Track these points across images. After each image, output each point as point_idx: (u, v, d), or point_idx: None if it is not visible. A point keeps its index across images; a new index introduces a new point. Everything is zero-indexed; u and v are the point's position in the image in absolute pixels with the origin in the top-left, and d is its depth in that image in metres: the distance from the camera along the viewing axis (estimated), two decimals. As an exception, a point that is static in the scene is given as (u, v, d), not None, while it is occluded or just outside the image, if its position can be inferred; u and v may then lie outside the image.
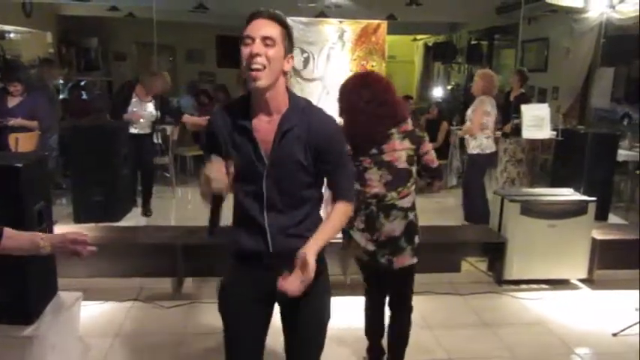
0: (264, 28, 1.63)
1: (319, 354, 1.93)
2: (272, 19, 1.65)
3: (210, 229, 1.85)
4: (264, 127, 1.70)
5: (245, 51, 1.63)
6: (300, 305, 1.79)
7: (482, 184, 5.19)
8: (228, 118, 1.74)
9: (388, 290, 2.82)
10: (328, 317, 1.92)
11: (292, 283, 1.62)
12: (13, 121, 4.87)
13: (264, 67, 1.62)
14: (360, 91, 2.47)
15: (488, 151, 4.92)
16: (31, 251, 1.63)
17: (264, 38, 1.62)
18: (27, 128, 5.00)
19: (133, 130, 5.26)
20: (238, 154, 1.72)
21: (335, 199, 1.83)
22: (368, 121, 2.44)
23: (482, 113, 4.81)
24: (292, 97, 1.75)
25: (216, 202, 1.77)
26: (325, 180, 1.83)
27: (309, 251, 1.65)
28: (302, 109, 1.73)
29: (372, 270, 2.74)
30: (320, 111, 1.80)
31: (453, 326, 3.52)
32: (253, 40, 1.62)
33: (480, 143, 4.86)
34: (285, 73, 1.71)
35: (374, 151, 2.49)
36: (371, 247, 2.59)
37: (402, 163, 2.52)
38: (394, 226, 2.57)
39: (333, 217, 1.80)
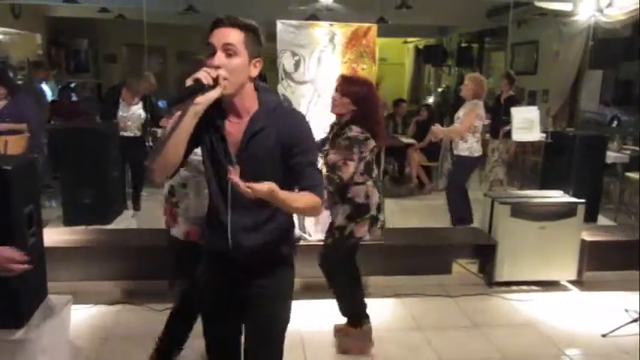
0: (226, 36, 1.64)
1: (280, 356, 1.94)
2: (234, 26, 1.65)
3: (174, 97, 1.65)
4: (235, 128, 1.74)
5: (208, 62, 1.64)
6: (262, 305, 1.85)
7: (465, 186, 5.23)
8: (204, 115, 1.70)
9: None
10: (287, 320, 1.94)
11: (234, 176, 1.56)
12: (2, 126, 4.80)
13: (226, 79, 1.63)
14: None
15: (476, 154, 4.95)
16: None
17: (225, 45, 1.64)
18: (16, 131, 4.95)
19: (123, 134, 5.33)
20: (209, 150, 1.77)
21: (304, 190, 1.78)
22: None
23: (476, 116, 4.83)
24: (262, 97, 1.76)
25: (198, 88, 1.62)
26: (296, 176, 1.79)
27: (269, 186, 1.56)
28: (271, 110, 1.75)
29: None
30: (289, 109, 1.87)
31: (443, 328, 3.54)
32: (214, 49, 1.64)
33: (470, 146, 4.89)
34: (252, 78, 1.73)
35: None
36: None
37: None
38: None
39: (302, 195, 1.74)
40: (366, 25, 3.83)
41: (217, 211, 1.80)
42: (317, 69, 3.75)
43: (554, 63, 8.00)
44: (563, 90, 7.89)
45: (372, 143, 2.90)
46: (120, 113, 5.34)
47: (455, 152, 5.09)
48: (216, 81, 1.62)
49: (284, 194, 1.62)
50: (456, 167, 5.28)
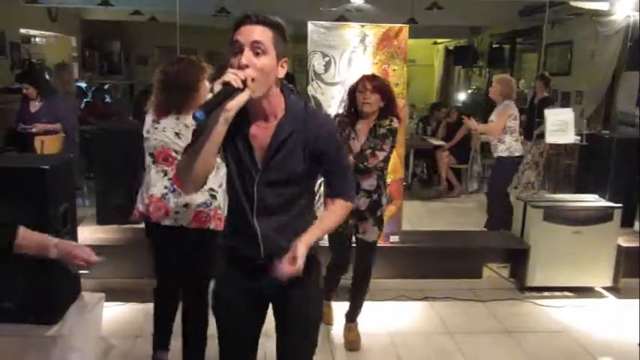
0: (254, 33, 1.55)
1: (312, 353, 1.93)
2: (262, 23, 1.56)
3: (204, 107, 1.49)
4: (262, 132, 1.67)
5: (234, 61, 1.55)
6: (292, 304, 1.82)
7: (507, 190, 5.14)
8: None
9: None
10: (319, 320, 1.95)
11: (282, 269, 1.62)
12: (37, 127, 4.94)
13: (254, 80, 1.54)
14: None
15: (517, 154, 4.89)
16: (39, 254, 1.67)
17: (254, 43, 1.54)
18: (52, 131, 5.08)
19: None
20: (234, 156, 1.70)
21: (334, 197, 1.81)
22: None
23: (509, 116, 4.78)
24: (289, 101, 1.69)
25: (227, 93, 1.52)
26: (324, 180, 1.83)
27: (302, 242, 1.65)
28: (299, 114, 1.68)
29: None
30: (317, 113, 1.81)
31: (473, 332, 3.48)
32: (242, 48, 1.54)
33: (509, 146, 4.82)
34: (279, 80, 1.65)
35: None
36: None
37: None
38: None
39: (332, 212, 1.80)
40: (398, 25, 3.80)
41: (243, 215, 1.73)
42: (347, 70, 3.74)
43: (589, 64, 7.81)
44: (598, 91, 7.70)
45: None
46: None
47: (495, 154, 5.02)
48: (244, 83, 1.52)
49: (314, 232, 1.70)
50: (496, 169, 5.20)
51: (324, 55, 3.75)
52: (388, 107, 3.03)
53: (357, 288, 3.24)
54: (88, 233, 3.97)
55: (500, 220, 4.93)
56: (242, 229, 1.75)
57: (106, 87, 9.28)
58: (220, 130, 1.54)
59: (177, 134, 2.56)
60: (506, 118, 4.78)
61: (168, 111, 2.56)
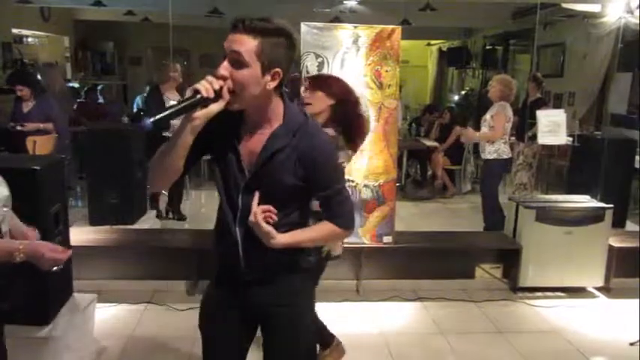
0: (235, 42, 1.45)
1: None
2: (249, 31, 1.44)
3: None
4: (255, 139, 1.59)
5: (217, 70, 1.48)
6: (280, 320, 1.72)
7: (496, 192, 5.15)
8: (221, 117, 1.52)
9: None
10: (310, 335, 1.84)
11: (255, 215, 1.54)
12: (30, 126, 4.92)
13: (233, 92, 1.46)
14: None
15: (505, 157, 4.89)
16: (5, 260, 1.65)
17: (232, 54, 1.46)
18: (43, 131, 5.06)
19: (166, 134, 5.37)
20: (221, 160, 1.63)
21: (327, 220, 1.68)
22: None
23: (505, 119, 4.77)
24: (288, 110, 1.59)
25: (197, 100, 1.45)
26: (320, 203, 1.69)
27: (275, 233, 1.55)
28: (297, 127, 1.57)
29: None
30: (316, 133, 1.62)
31: (466, 333, 3.49)
32: (225, 55, 1.48)
33: (498, 148, 4.83)
34: (272, 91, 1.52)
35: None
36: None
37: None
38: None
39: (318, 228, 1.68)
40: (391, 27, 3.81)
41: (226, 222, 1.66)
42: (340, 71, 3.74)
43: (581, 65, 7.86)
44: (590, 93, 7.75)
45: None
46: None
47: (482, 156, 5.03)
48: (219, 93, 1.44)
49: (296, 236, 1.61)
50: (485, 172, 5.22)
51: (317, 56, 3.75)
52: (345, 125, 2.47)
53: None
54: (81, 234, 3.96)
55: (496, 221, 4.96)
56: (225, 237, 1.68)
57: (99, 87, 9.24)
58: (185, 139, 1.48)
59: None
60: (504, 119, 4.77)
61: None
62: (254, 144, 1.58)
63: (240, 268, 1.67)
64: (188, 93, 1.45)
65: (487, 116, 4.94)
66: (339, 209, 1.67)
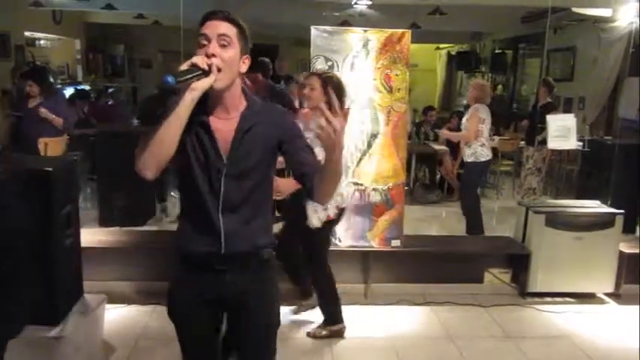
0: (220, 27, 1.64)
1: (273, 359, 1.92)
2: (227, 20, 1.65)
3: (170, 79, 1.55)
4: (223, 125, 1.70)
5: (200, 52, 1.63)
6: (249, 309, 1.81)
7: (477, 193, 5.23)
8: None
9: None
10: (278, 322, 1.92)
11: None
12: (43, 113, 4.83)
13: (220, 70, 1.61)
14: None
15: (482, 159, 4.93)
16: None
17: (220, 36, 1.62)
18: (54, 132, 5.06)
19: None
20: (196, 152, 1.69)
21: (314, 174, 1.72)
22: None
23: (477, 120, 4.83)
24: (249, 96, 1.76)
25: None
26: (295, 170, 1.77)
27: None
28: (260, 108, 1.75)
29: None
30: (275, 106, 1.88)
31: (475, 338, 3.48)
32: (209, 39, 1.62)
33: (475, 151, 4.89)
34: (241, 74, 1.72)
35: None
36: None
37: None
38: None
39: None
40: (400, 30, 3.81)
41: (205, 212, 1.71)
42: (350, 74, 3.75)
43: (591, 70, 7.81)
44: (600, 97, 7.70)
45: None
46: None
47: (463, 159, 5.09)
48: (210, 69, 1.60)
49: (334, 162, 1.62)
50: (464, 174, 5.27)
51: (327, 60, 3.76)
52: None
53: None
54: (91, 235, 3.98)
55: (478, 224, 4.98)
56: (202, 229, 1.73)
57: (109, 90, 9.30)
58: (184, 108, 1.59)
59: None
60: (476, 121, 4.83)
61: None
62: (226, 130, 1.69)
63: (217, 256, 1.73)
64: (184, 66, 1.58)
65: (463, 119, 5.05)
66: (317, 160, 1.81)
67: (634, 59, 6.93)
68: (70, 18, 9.49)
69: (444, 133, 5.85)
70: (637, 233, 5.15)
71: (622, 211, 4.05)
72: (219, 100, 1.70)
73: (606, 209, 4.16)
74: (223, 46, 1.63)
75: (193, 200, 1.73)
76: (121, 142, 5.11)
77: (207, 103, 1.69)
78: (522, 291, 4.07)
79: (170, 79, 1.52)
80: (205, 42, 1.63)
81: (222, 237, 1.71)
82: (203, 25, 1.65)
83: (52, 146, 4.88)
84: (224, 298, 1.80)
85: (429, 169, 7.52)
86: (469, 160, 4.97)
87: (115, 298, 3.51)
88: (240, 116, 1.71)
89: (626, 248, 4.12)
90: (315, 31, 3.74)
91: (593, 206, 4.24)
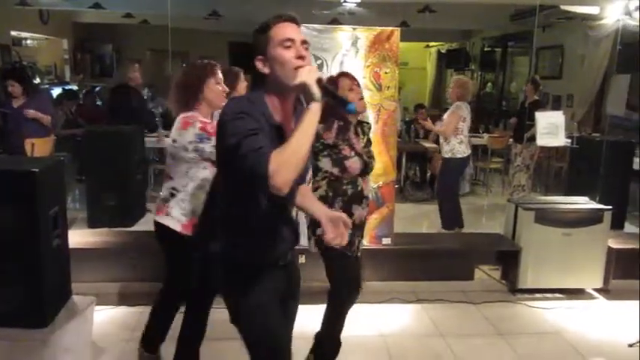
0: (300, 33, 1.68)
1: None
2: (298, 25, 1.70)
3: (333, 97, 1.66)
4: (287, 126, 1.71)
5: (288, 53, 1.63)
6: (296, 299, 1.99)
7: (456, 189, 5.28)
8: (256, 110, 1.63)
9: None
10: None
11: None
12: (30, 113, 4.78)
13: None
14: None
15: (459, 156, 4.98)
16: None
17: (303, 42, 1.67)
18: (42, 132, 5.01)
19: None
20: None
21: None
22: None
23: (458, 118, 4.87)
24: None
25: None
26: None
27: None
28: (299, 103, 1.78)
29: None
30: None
31: (465, 335, 3.49)
32: (294, 42, 1.64)
33: (453, 147, 4.94)
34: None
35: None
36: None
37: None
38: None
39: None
40: (390, 28, 3.82)
41: (280, 213, 1.80)
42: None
43: (579, 67, 7.88)
44: (588, 95, 7.76)
45: None
46: None
47: (442, 155, 5.13)
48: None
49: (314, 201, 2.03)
50: (442, 171, 5.31)
51: (317, 58, 3.76)
52: None
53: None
54: (79, 236, 3.95)
55: (453, 220, 5.02)
56: (281, 223, 1.82)
57: (97, 89, 9.23)
58: (315, 119, 1.59)
59: (173, 140, 2.55)
60: (456, 119, 4.89)
61: (177, 113, 2.61)
62: (289, 131, 1.67)
63: (288, 249, 1.86)
64: (310, 79, 1.58)
65: (445, 116, 5.11)
66: None
67: (621, 57, 6.99)
68: (58, 17, 9.40)
69: (425, 123, 6.11)
70: (625, 229, 5.20)
71: (610, 207, 4.09)
72: (291, 101, 1.73)
73: (595, 205, 4.19)
74: (306, 50, 1.68)
75: (266, 203, 1.72)
76: (109, 142, 5.08)
77: (274, 105, 1.70)
78: (512, 287, 4.10)
79: (351, 106, 1.70)
80: (289, 44, 1.64)
81: (296, 233, 1.87)
82: (277, 26, 1.66)
83: (39, 147, 4.83)
84: (290, 290, 1.93)
85: (419, 167, 7.54)
86: (446, 156, 5.03)
87: (104, 300, 3.48)
88: (294, 118, 1.73)
89: (615, 244, 4.16)
90: (304, 30, 3.72)
91: (582, 202, 4.27)
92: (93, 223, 4.98)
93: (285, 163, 1.50)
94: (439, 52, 12.84)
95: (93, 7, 7.60)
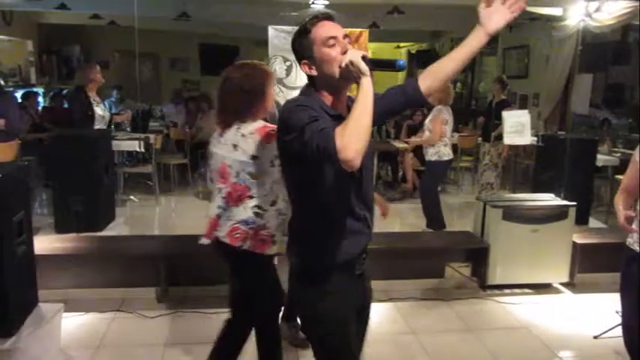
0: (339, 29, 1.70)
1: None
2: (334, 21, 1.72)
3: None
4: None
5: (334, 51, 1.65)
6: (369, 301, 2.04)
7: (437, 191, 5.35)
8: (314, 103, 1.66)
9: None
10: None
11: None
12: None
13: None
14: None
15: (445, 158, 5.05)
16: None
17: (345, 37, 1.69)
18: (4, 136, 4.90)
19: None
20: None
21: None
22: None
23: (441, 122, 4.92)
24: None
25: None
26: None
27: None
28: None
29: None
30: None
31: (436, 331, 3.54)
32: (337, 39, 1.66)
33: (438, 150, 5.00)
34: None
35: None
36: None
37: None
38: None
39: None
40: (358, 30, 3.85)
41: (357, 210, 1.78)
42: (308, 74, 3.76)
43: (545, 67, 8.06)
44: (553, 93, 7.94)
45: None
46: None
47: (425, 158, 5.18)
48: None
49: None
50: (426, 173, 5.37)
51: (285, 60, 3.77)
52: None
53: None
54: (46, 242, 3.87)
55: (438, 220, 5.09)
56: (361, 228, 1.84)
57: (64, 92, 9.05)
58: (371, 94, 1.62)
59: (234, 146, 2.30)
60: (440, 123, 4.93)
61: (232, 121, 2.34)
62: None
63: (363, 257, 1.89)
64: (355, 60, 1.61)
65: (426, 121, 5.15)
66: None
67: (583, 57, 7.18)
68: (22, 18, 9.19)
69: (413, 141, 6.03)
70: (589, 224, 5.35)
71: (574, 203, 4.19)
72: (343, 97, 1.76)
73: (560, 202, 4.30)
74: (349, 43, 1.71)
75: (345, 201, 1.74)
76: (77, 146, 4.99)
77: (329, 103, 1.72)
78: (482, 284, 4.17)
79: (403, 62, 1.68)
80: (333, 42, 1.66)
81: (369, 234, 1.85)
82: (317, 26, 1.68)
83: (2, 151, 4.72)
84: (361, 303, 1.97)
85: (391, 167, 7.60)
86: (432, 159, 5.05)
87: (73, 306, 3.42)
88: (347, 110, 1.70)
89: (580, 239, 4.26)
90: (272, 31, 3.74)
91: (548, 199, 4.37)
92: (60, 228, 4.88)
93: (351, 134, 1.49)
94: (409, 53, 12.97)
95: (59, 7, 7.45)
